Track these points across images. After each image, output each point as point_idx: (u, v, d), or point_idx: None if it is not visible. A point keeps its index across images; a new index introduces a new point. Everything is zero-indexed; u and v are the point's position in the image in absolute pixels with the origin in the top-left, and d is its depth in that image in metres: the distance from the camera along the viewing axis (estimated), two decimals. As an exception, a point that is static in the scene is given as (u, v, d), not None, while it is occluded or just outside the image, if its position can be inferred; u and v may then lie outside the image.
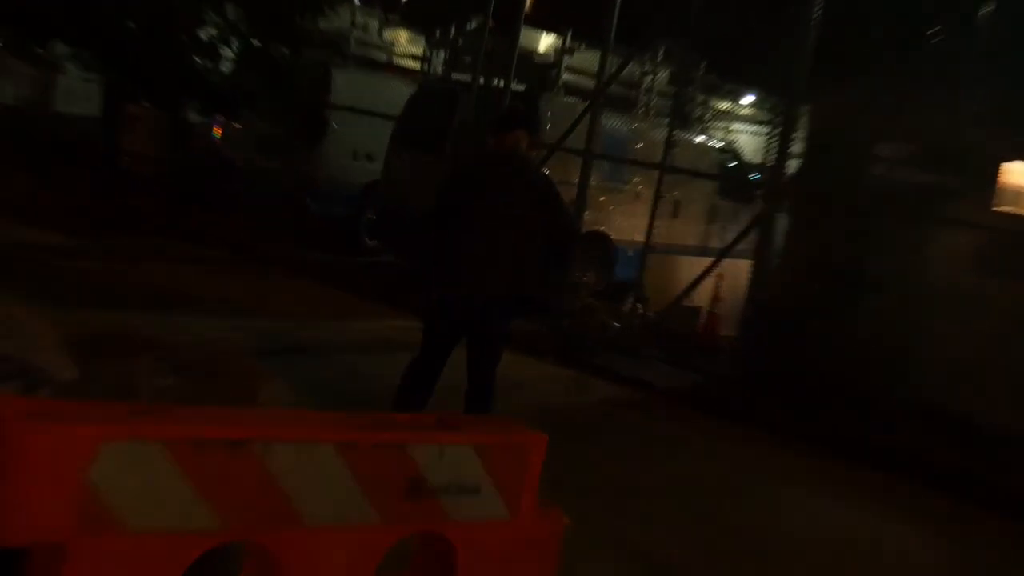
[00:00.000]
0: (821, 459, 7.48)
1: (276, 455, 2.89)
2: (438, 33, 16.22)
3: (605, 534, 5.23)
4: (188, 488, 2.77)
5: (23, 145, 15.90)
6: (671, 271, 11.26)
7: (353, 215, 13.28)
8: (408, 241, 11.00)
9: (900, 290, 8.49)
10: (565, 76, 14.57)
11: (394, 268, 11.92)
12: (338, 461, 2.97)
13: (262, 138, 13.88)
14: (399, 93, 12.95)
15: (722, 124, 19.62)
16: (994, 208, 8.29)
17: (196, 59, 13.83)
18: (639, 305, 10.63)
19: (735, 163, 13.78)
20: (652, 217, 10.65)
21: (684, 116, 12.98)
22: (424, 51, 16.85)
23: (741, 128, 19.29)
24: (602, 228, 11.66)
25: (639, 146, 12.17)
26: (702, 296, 10.28)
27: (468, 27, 14.96)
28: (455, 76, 13.99)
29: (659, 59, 14.68)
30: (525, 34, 12.56)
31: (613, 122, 11.85)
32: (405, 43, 17.32)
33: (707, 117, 16.68)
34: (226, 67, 14.29)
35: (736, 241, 9.60)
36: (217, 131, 14.75)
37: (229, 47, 14.05)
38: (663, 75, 14.98)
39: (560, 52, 14.85)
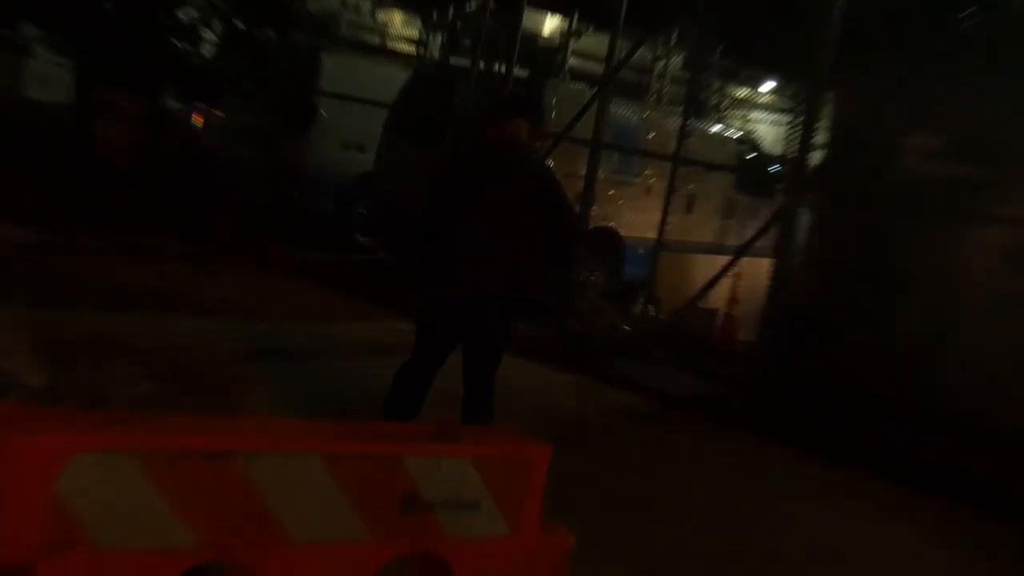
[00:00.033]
0: (845, 472, 7.46)
1: (260, 468, 2.89)
2: (435, 14, 16.22)
3: (614, 552, 5.23)
4: (164, 504, 2.76)
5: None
6: (685, 270, 11.26)
7: (344, 209, 13.29)
8: (402, 237, 11.00)
9: (931, 291, 8.48)
10: (571, 61, 14.58)
11: (388, 266, 11.92)
12: (326, 474, 2.96)
13: (246, 127, 13.89)
14: (393, 79, 12.94)
15: (740, 112, 19.64)
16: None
17: (175, 42, 13.84)
18: (650, 306, 10.63)
19: (754, 154, 13.78)
20: (665, 212, 10.64)
21: (699, 104, 12.98)
22: (420, 34, 16.85)
23: (760, 117, 19.30)
24: (611, 224, 11.67)
25: (651, 136, 12.16)
26: (718, 297, 10.27)
27: (467, 8, 14.98)
28: (453, 61, 14.00)
29: (672, 43, 14.69)
30: (528, 16, 12.56)
31: (623, 110, 11.85)
32: (400, 25, 17.31)
33: (724, 105, 16.70)
34: (208, 51, 14.30)
35: (755, 238, 9.59)
36: (198, 120, 14.77)
37: (211, 29, 14.06)
38: (677, 60, 15.00)
39: (566, 35, 14.85)
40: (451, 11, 15.47)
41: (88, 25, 13.08)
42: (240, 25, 13.92)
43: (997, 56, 8.22)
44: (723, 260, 9.80)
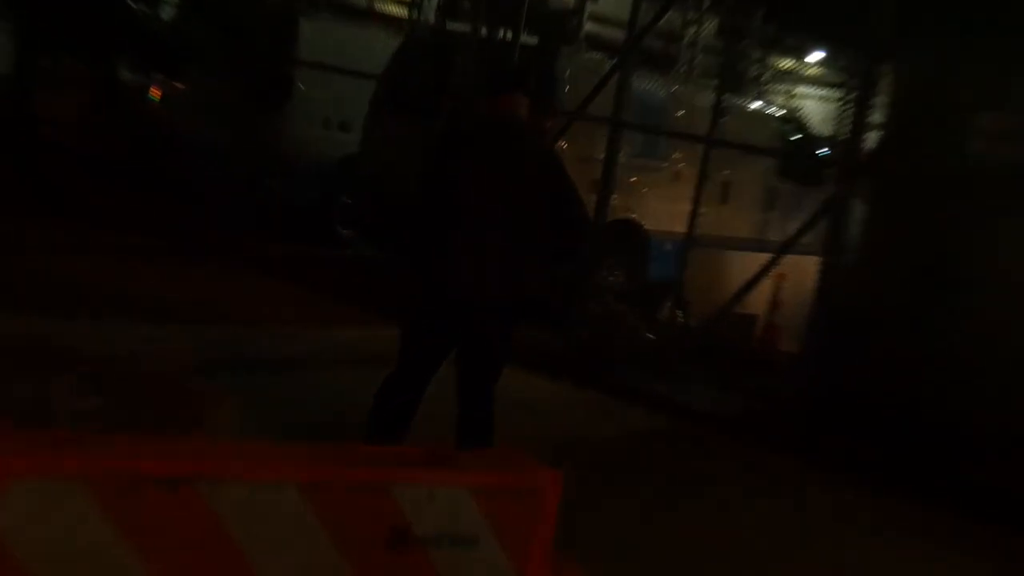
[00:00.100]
0: (906, 502, 7.47)
1: (226, 498, 2.89)
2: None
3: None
4: (117, 538, 2.77)
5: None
6: (719, 270, 11.27)
7: (324, 198, 13.30)
8: (392, 231, 11.01)
9: (1005, 293, 8.47)
10: (588, 26, 14.57)
11: (375, 263, 11.93)
12: (303, 506, 2.97)
13: (211, 102, 13.90)
14: (382, 47, 12.96)
15: (783, 87, 19.63)
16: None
17: (130, 2, 13.86)
18: (679, 312, 10.64)
19: (799, 136, 13.77)
20: (696, 202, 10.65)
21: (736, 77, 12.98)
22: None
23: (807, 92, 19.29)
24: (633, 216, 11.68)
25: (680, 114, 12.17)
26: (758, 301, 10.28)
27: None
28: (451, 26, 14.00)
29: (706, 6, 14.68)
30: (539, -27, 12.59)
31: (648, 84, 11.86)
32: (390, -16, 17.34)
33: (765, 78, 16.70)
34: (167, 13, 14.32)
35: (800, 233, 9.59)
36: (155, 93, 14.79)
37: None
38: (711, 26, 14.98)
39: (582, -4, 14.86)
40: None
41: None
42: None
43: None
44: (763, 258, 9.81)
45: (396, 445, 5.53)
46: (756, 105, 13.78)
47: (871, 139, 9.24)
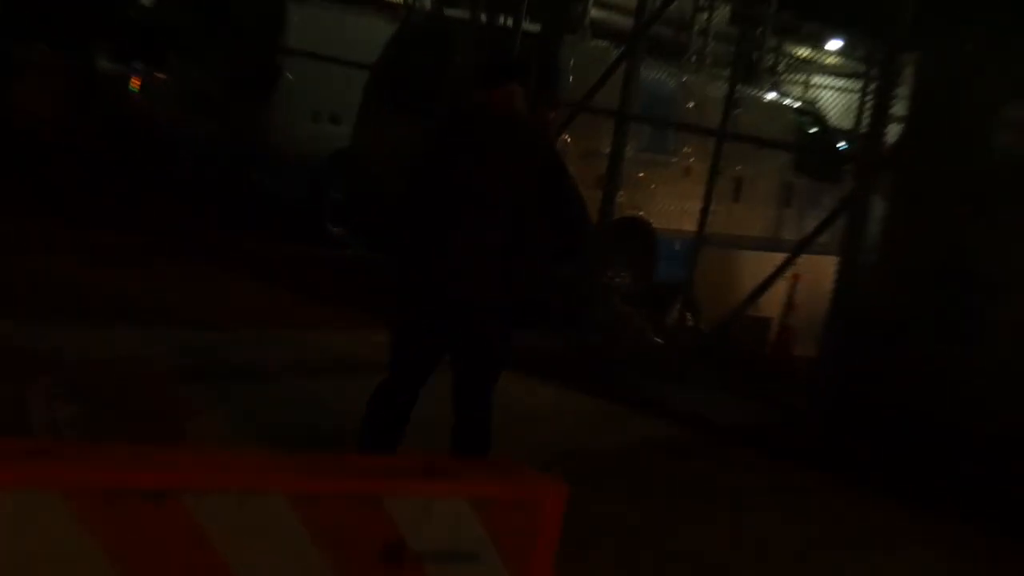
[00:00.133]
0: (932, 516, 7.49)
1: (211, 510, 2.90)
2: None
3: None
4: (96, 552, 2.78)
5: None
6: (731, 270, 11.28)
7: (314, 194, 13.30)
8: (386, 229, 11.02)
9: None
10: (593, 13, 14.58)
11: (367, 264, 11.93)
12: (292, 519, 2.97)
13: (194, 92, 13.91)
14: (376, 34, 12.97)
15: (800, 77, 19.65)
16: None
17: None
18: (688, 315, 10.64)
19: (817, 128, 13.79)
20: (707, 199, 10.65)
21: (750, 67, 12.99)
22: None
23: (825, 82, 19.30)
24: (640, 213, 11.69)
25: (690, 106, 12.19)
26: (772, 304, 10.29)
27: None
28: (448, 12, 14.01)
29: (718, -9, 14.71)
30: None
31: (656, 74, 11.87)
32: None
33: (781, 68, 16.72)
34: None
35: (818, 231, 9.61)
36: (135, 83, 14.80)
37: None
38: (723, 12, 15.00)
39: (587, -20, 14.88)
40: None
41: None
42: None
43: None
44: (778, 258, 9.82)
45: (390, 454, 5.55)
46: (771, 96, 13.79)
47: (892, 132, 9.25)
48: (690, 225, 10.76)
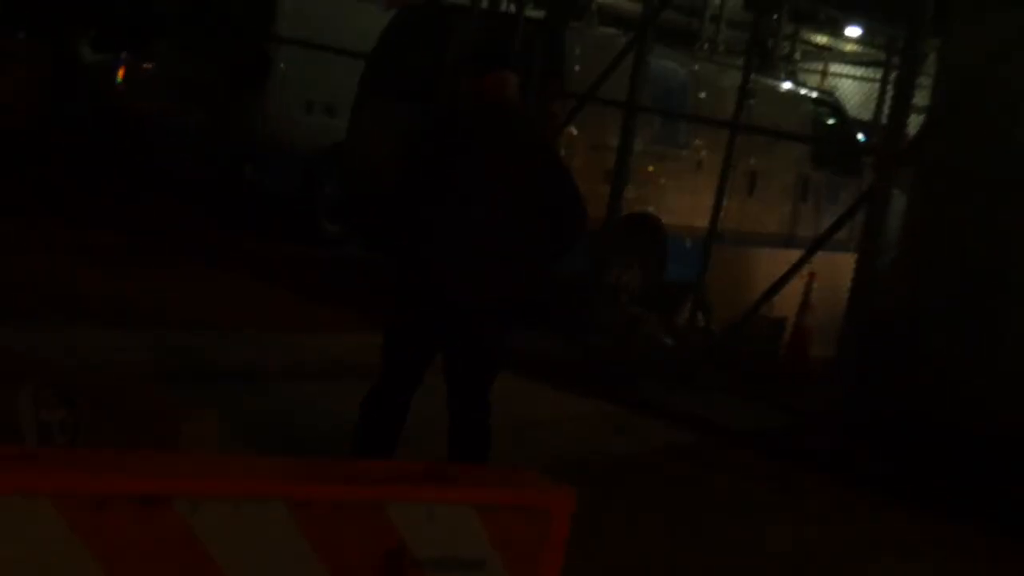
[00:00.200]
0: (951, 525, 7.52)
1: (207, 517, 2.92)
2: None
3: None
4: (87, 560, 2.80)
5: None
6: (745, 269, 11.29)
7: (308, 189, 13.32)
8: (384, 227, 11.04)
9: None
10: (601, -2, 14.63)
11: (364, 262, 11.96)
12: (291, 525, 2.99)
13: (181, 82, 13.92)
14: (372, 22, 12.98)
15: (817, 66, 19.65)
16: None
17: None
18: (700, 315, 10.66)
19: (835, 120, 13.80)
20: (720, 194, 10.67)
21: (765, 55, 13.01)
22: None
23: (843, 71, 19.31)
24: (650, 209, 11.70)
25: (702, 96, 12.20)
26: (787, 303, 10.31)
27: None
28: (448, -2, 14.05)
29: (731, -25, 14.74)
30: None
31: (667, 63, 11.89)
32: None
33: (797, 56, 16.73)
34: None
35: (835, 227, 9.63)
36: (121, 73, 14.80)
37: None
38: (736, -2, 15.04)
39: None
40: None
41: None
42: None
43: None
44: (794, 255, 9.84)
45: (386, 458, 5.59)
46: (787, 86, 13.81)
47: (914, 123, 9.26)
48: (702, 221, 10.77)
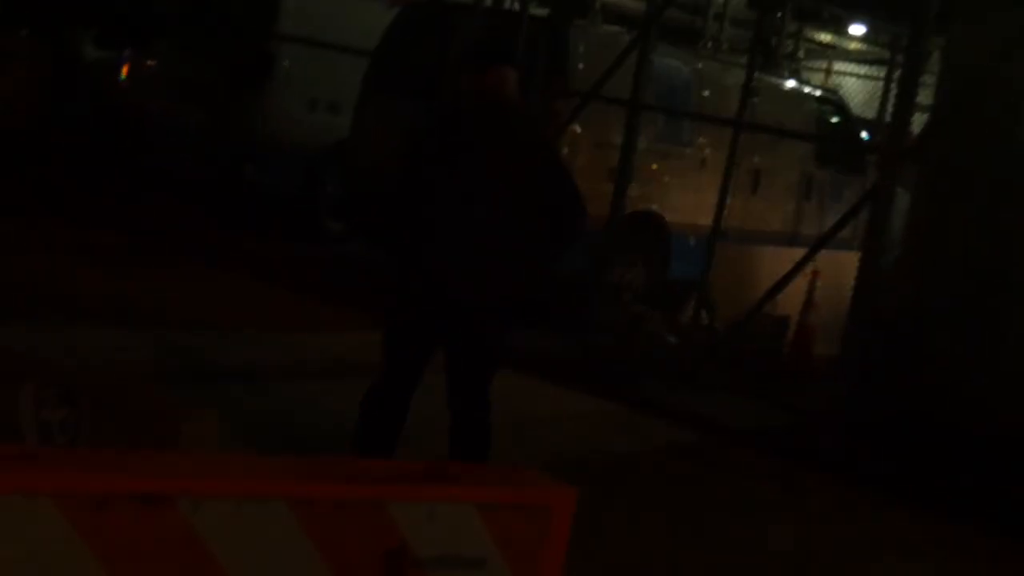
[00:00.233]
0: (952, 525, 7.52)
1: (208, 516, 2.92)
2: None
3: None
4: (89, 559, 2.81)
5: None
6: (748, 267, 11.29)
7: (311, 187, 13.32)
8: (384, 228, 11.04)
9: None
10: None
11: (365, 260, 11.95)
12: (293, 524, 3.00)
13: (185, 80, 13.92)
14: (376, 19, 12.97)
15: (821, 64, 19.63)
16: None
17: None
18: (704, 313, 10.67)
19: (839, 118, 13.80)
20: (723, 192, 10.68)
21: (769, 53, 13.00)
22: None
23: (847, 69, 19.29)
24: (654, 207, 11.70)
25: (706, 94, 12.20)
26: (791, 302, 10.31)
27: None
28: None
29: (734, -27, 14.73)
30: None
31: (670, 61, 11.89)
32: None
33: (801, 54, 16.72)
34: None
35: (839, 225, 9.63)
36: (125, 70, 14.80)
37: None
38: (740, -5, 15.04)
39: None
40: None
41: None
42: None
43: None
44: (798, 254, 9.84)
45: (387, 457, 5.60)
46: (791, 84, 13.80)
47: (918, 121, 9.26)
48: (706, 219, 10.78)
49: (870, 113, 15.49)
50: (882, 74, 15.43)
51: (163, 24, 14.19)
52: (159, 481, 2.95)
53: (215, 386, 7.57)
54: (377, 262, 11.33)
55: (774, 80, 13.09)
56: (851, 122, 13.91)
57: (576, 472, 5.03)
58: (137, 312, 9.13)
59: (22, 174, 13.39)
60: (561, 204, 5.78)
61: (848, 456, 8.41)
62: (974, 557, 7.12)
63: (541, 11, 12.28)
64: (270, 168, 13.16)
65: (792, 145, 12.47)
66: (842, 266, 9.52)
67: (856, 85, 16.62)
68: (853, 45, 18.87)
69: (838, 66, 19.34)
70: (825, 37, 18.42)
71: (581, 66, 11.16)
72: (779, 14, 14.06)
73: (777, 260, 10.39)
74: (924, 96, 9.28)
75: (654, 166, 11.63)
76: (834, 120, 13.78)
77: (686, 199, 11.77)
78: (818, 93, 14.33)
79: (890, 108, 9.27)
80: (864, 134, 14.46)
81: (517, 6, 11.76)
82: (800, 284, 10.04)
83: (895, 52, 13.21)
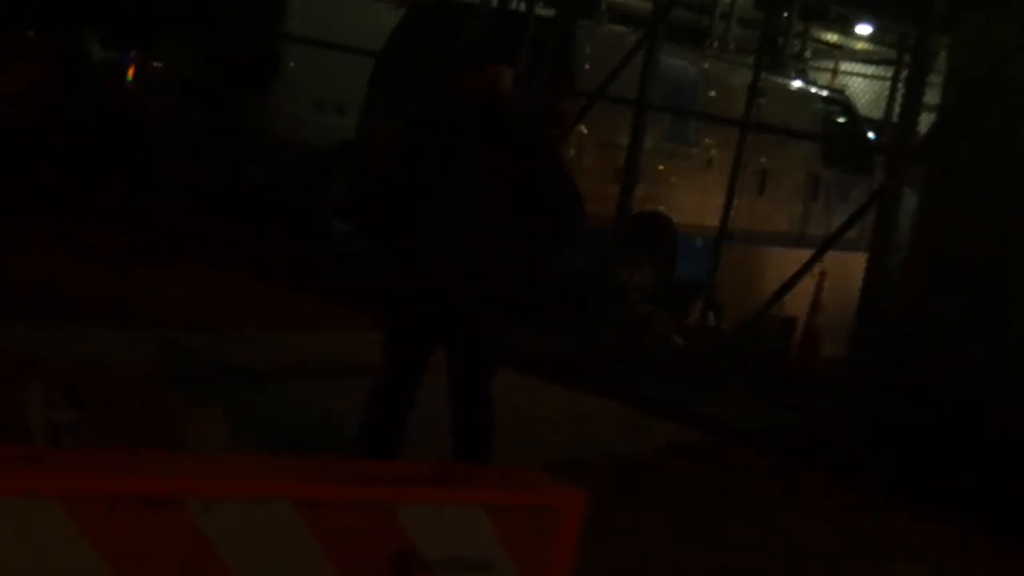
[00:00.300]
0: (952, 525, 7.52)
1: (216, 518, 2.92)
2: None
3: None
4: (98, 561, 2.81)
5: None
6: (755, 268, 11.29)
7: (317, 188, 13.32)
8: (384, 227, 11.03)
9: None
10: (611, -4, 14.62)
11: (367, 260, 11.94)
12: (301, 527, 3.00)
13: (191, 81, 13.93)
14: (382, 20, 12.98)
15: (828, 64, 19.61)
16: None
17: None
18: (711, 315, 10.66)
19: (845, 118, 13.79)
20: (730, 193, 10.67)
21: (775, 53, 12.99)
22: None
23: (854, 69, 19.27)
24: (660, 208, 11.70)
25: (712, 94, 12.19)
26: (798, 303, 10.31)
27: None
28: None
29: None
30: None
31: (677, 61, 11.88)
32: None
33: (808, 54, 16.71)
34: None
35: (846, 226, 9.62)
36: (132, 71, 14.80)
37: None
38: (747, -5, 15.03)
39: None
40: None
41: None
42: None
43: None
44: (804, 255, 9.84)
45: (393, 458, 5.61)
46: (797, 84, 13.80)
47: (925, 122, 9.25)
48: (712, 220, 10.77)
49: (877, 113, 15.47)
50: (889, 74, 15.41)
51: (169, 25, 14.18)
52: (168, 483, 2.95)
53: (215, 386, 7.57)
54: (377, 261, 11.35)
55: (781, 80, 13.08)
56: (858, 122, 13.90)
57: (577, 472, 5.01)
58: (137, 312, 9.13)
59: (22, 174, 13.39)
60: (561, 204, 5.79)
61: (849, 456, 8.41)
62: (974, 557, 7.12)
63: (547, 11, 12.27)
64: (276, 169, 13.16)
65: (799, 145, 12.47)
66: (849, 267, 9.51)
67: (863, 85, 16.60)
68: (860, 45, 18.86)
69: (845, 66, 19.32)
70: (832, 37, 18.41)
71: (587, 66, 11.16)
72: (786, 14, 14.06)
73: (784, 261, 10.39)
74: (931, 96, 9.28)
75: (660, 166, 11.63)
76: (841, 120, 13.77)
77: (692, 199, 11.76)
78: (825, 93, 14.32)
79: (897, 108, 9.25)
80: (871, 134, 14.44)
81: (523, 6, 11.75)
82: (807, 285, 10.04)
83: (902, 52, 13.18)
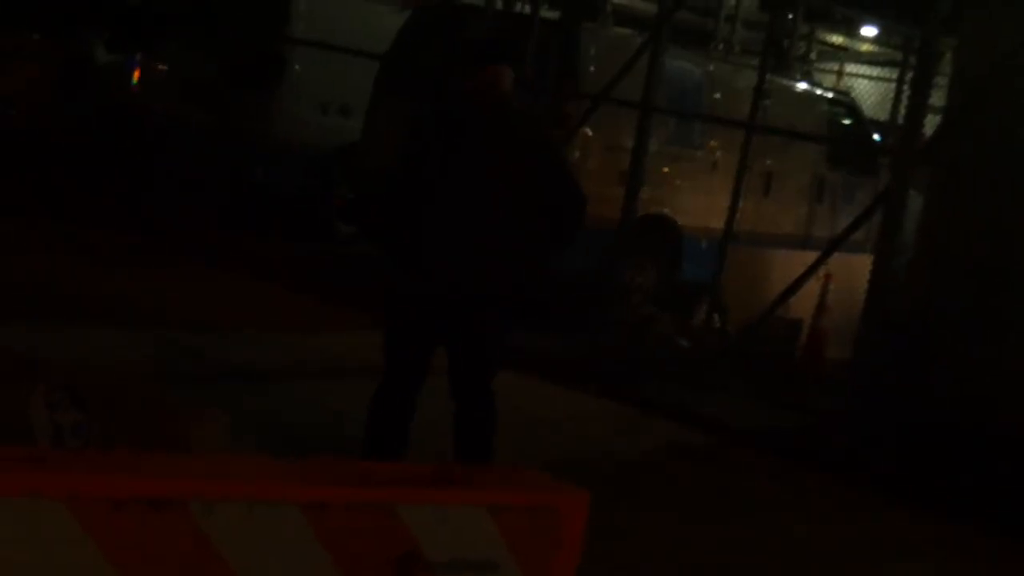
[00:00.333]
0: (952, 525, 7.51)
1: (220, 520, 2.92)
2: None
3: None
4: (100, 562, 2.81)
5: None
6: (760, 270, 11.28)
7: (321, 190, 13.32)
8: (385, 228, 11.02)
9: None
10: (616, -1, 14.62)
11: (368, 260, 11.94)
12: (305, 528, 2.99)
13: (196, 84, 13.93)
14: (387, 22, 12.99)
15: (833, 66, 19.60)
16: None
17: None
18: (716, 316, 10.66)
19: (851, 120, 13.78)
20: (735, 195, 10.67)
21: (780, 55, 12.98)
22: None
23: (859, 71, 19.26)
24: (665, 210, 11.69)
25: (717, 97, 12.19)
26: (803, 305, 10.30)
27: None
28: (463, -1, 14.05)
29: (746, -25, 14.72)
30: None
31: (682, 63, 11.88)
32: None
33: (812, 56, 16.70)
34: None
35: (851, 228, 9.61)
36: (136, 74, 14.81)
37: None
38: (752, -3, 15.02)
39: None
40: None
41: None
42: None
43: None
44: (810, 257, 9.83)
45: (398, 459, 5.61)
46: (802, 86, 13.79)
47: (930, 124, 9.24)
48: (717, 222, 10.78)
49: (882, 115, 15.46)
50: (894, 76, 15.39)
51: (174, 28, 14.18)
52: (171, 484, 2.95)
53: (215, 386, 7.57)
54: (378, 261, 11.33)
55: (786, 82, 13.07)
56: (863, 124, 13.89)
57: (577, 472, 5.01)
58: (137, 312, 9.13)
59: (22, 174, 13.39)
60: (561, 204, 5.79)
61: (849, 456, 8.40)
62: (974, 557, 7.11)
63: (552, 14, 12.28)
64: (281, 171, 13.17)
65: (804, 147, 12.46)
66: (855, 269, 9.50)
67: (868, 87, 16.59)
68: (865, 47, 18.86)
69: (850, 68, 19.32)
70: (837, 39, 18.41)
71: (592, 68, 11.16)
72: (791, 16, 14.05)
73: (789, 263, 10.37)
74: (936, 98, 9.27)
75: (665, 169, 11.63)
76: (846, 122, 13.76)
77: (697, 202, 11.76)
78: (830, 95, 14.32)
79: (902, 110, 9.25)
80: (876, 136, 14.44)
81: (528, 9, 11.75)
82: (813, 287, 10.03)
83: (907, 54, 13.17)
